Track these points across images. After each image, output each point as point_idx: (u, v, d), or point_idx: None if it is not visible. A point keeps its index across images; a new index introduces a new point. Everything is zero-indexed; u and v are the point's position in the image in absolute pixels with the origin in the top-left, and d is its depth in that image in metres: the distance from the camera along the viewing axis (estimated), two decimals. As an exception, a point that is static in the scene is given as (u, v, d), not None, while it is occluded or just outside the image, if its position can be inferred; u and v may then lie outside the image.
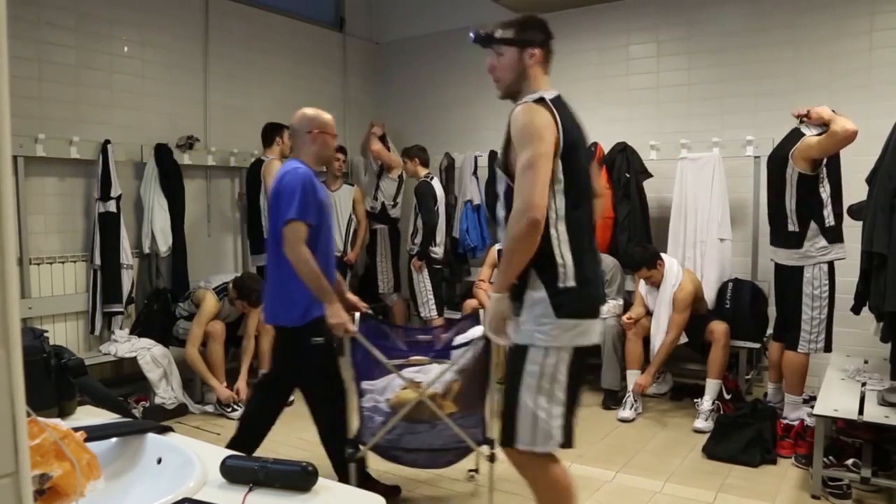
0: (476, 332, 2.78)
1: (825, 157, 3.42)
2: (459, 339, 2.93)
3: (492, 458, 2.64)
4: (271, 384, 3.00)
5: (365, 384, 2.83)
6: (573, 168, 1.97)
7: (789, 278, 3.56)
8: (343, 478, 2.67)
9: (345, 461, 2.70)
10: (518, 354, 2.00)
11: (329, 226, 2.85)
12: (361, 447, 2.70)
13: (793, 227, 3.50)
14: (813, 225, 3.45)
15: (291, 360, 2.85)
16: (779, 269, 3.68)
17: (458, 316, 4.51)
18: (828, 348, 3.57)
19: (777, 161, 3.58)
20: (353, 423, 2.75)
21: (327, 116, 2.92)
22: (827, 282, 3.47)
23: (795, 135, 3.51)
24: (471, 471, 3.22)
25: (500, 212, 2.07)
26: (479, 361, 2.66)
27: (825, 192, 3.45)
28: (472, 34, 2.01)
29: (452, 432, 2.65)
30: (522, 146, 1.90)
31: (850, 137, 3.25)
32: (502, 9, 5.47)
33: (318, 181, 2.79)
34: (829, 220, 3.46)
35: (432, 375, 2.73)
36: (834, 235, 3.46)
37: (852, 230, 3.48)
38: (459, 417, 2.72)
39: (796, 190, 3.46)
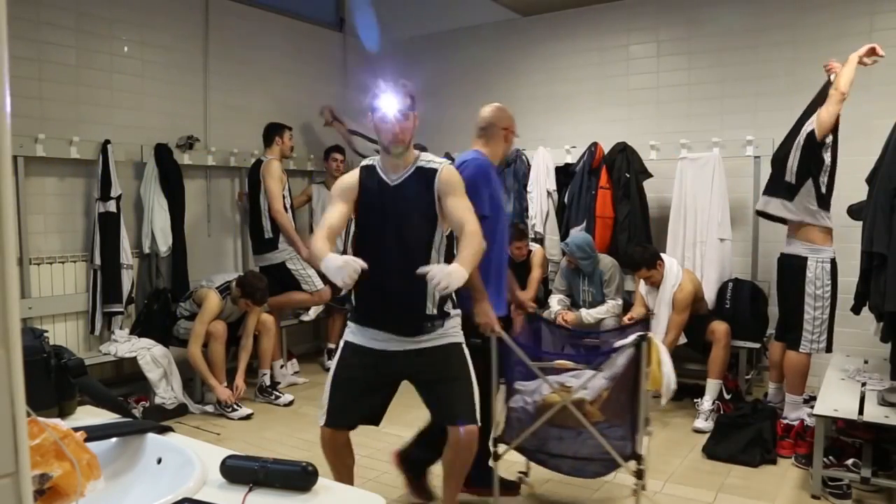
0: (630, 337, 2.60)
1: (836, 120, 3.42)
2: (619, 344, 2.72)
3: (639, 475, 2.51)
4: None
5: (519, 384, 2.76)
6: None
7: (791, 277, 3.56)
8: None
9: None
10: (456, 350, 2.42)
11: (504, 222, 2.81)
12: (504, 446, 2.67)
13: (790, 177, 3.52)
14: (808, 184, 3.47)
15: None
16: (781, 267, 3.68)
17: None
18: (829, 349, 3.57)
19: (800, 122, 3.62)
20: (499, 423, 2.72)
21: (510, 113, 2.96)
22: (829, 282, 3.46)
23: (824, 91, 3.52)
24: (637, 483, 2.74)
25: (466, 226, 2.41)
26: (630, 369, 2.51)
27: (827, 157, 3.46)
28: (407, 101, 2.33)
29: (598, 442, 2.51)
30: (463, 193, 2.37)
31: (839, 98, 3.31)
32: (502, 9, 5.48)
33: (495, 174, 2.78)
34: (823, 186, 3.47)
35: (581, 380, 2.59)
36: (824, 202, 3.48)
37: (852, 230, 3.48)
38: (606, 427, 2.57)
39: (804, 144, 3.47)
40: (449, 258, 2.37)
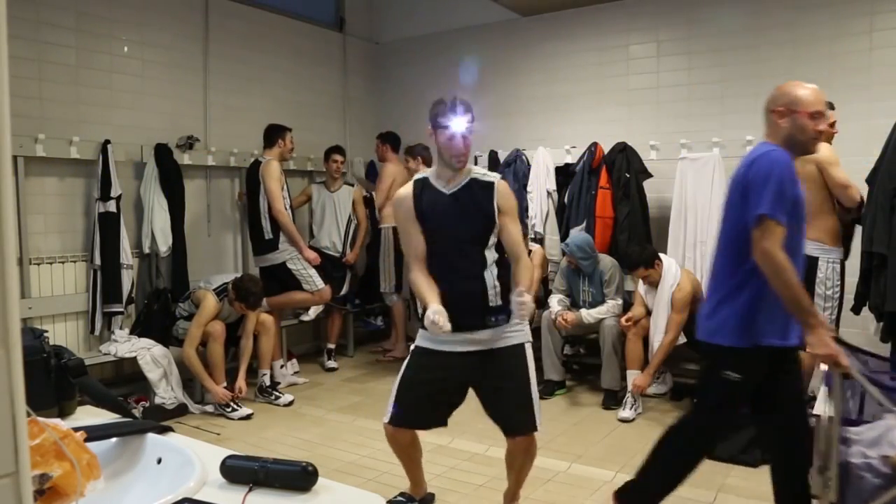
0: None
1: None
2: None
3: None
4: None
5: (849, 431, 2.26)
6: None
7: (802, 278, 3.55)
8: None
9: None
10: (520, 353, 2.49)
11: (801, 227, 2.27)
12: None
13: None
14: None
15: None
16: None
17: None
18: None
19: None
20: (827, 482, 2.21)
21: (804, 91, 2.24)
22: (839, 282, 3.46)
23: None
24: None
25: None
26: None
27: None
28: (472, 119, 2.47)
29: None
30: (516, 214, 2.57)
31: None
32: (502, 9, 5.48)
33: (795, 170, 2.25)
34: None
35: None
36: None
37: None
38: None
39: None
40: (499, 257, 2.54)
